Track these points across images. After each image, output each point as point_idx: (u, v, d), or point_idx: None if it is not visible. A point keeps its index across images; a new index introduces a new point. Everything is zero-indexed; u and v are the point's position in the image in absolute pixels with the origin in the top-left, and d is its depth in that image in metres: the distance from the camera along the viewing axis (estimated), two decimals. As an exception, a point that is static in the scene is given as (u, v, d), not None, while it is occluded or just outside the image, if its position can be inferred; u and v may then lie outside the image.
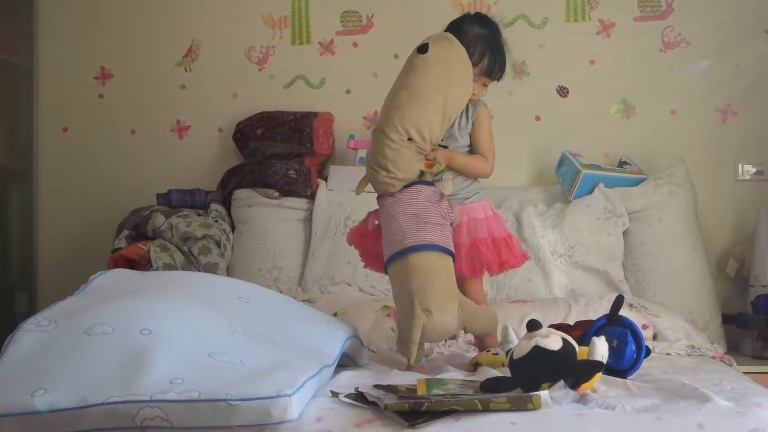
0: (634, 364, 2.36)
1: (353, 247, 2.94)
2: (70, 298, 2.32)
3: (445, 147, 2.84)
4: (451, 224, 2.71)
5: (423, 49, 2.66)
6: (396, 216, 2.65)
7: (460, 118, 2.89)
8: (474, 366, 2.63)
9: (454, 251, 2.67)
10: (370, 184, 2.75)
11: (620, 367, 2.31)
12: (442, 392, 2.05)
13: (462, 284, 2.77)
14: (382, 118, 2.68)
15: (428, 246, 2.60)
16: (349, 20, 4.33)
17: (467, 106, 2.89)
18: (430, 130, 2.63)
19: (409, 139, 2.62)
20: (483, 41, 2.91)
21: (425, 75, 2.64)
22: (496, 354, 2.65)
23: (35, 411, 1.84)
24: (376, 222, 2.77)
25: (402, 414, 1.84)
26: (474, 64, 2.80)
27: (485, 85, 2.94)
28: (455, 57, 2.71)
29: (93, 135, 4.44)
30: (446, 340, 3.20)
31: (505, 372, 2.18)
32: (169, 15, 4.42)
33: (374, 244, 2.78)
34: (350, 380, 2.30)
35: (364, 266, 2.97)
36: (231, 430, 1.82)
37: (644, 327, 3.23)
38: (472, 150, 2.93)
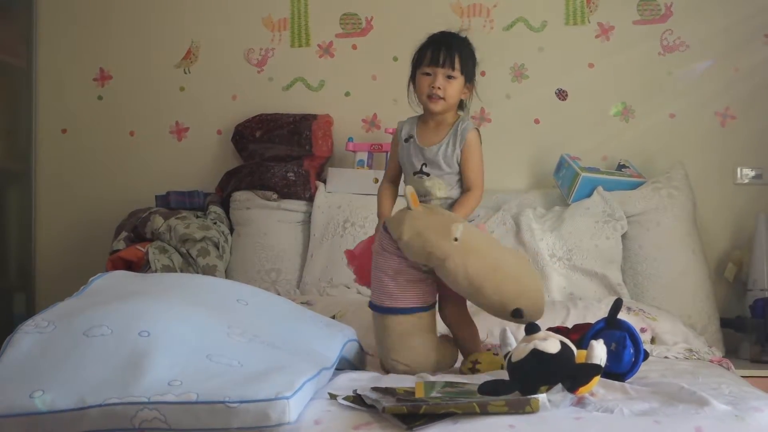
0: (633, 368, 2.36)
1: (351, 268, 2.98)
2: (68, 300, 2.32)
3: (428, 174, 2.85)
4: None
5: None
6: (381, 269, 2.66)
7: (447, 146, 2.85)
8: (472, 364, 2.63)
9: (434, 301, 2.70)
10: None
11: (618, 370, 2.31)
12: (440, 395, 2.05)
13: (450, 303, 2.78)
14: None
15: (405, 311, 2.63)
16: (348, 23, 4.34)
17: (455, 130, 2.86)
18: None
19: None
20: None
21: None
22: (496, 355, 2.65)
23: (36, 411, 1.83)
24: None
25: (400, 417, 1.84)
26: (429, 62, 2.83)
27: (453, 78, 2.85)
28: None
29: (92, 137, 4.44)
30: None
31: (503, 375, 2.18)
32: (169, 17, 4.43)
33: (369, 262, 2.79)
34: (348, 383, 2.30)
35: (356, 281, 3.04)
36: (229, 432, 1.82)
37: (642, 330, 3.23)
38: (460, 174, 2.87)
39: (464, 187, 2.88)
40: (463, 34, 2.93)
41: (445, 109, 2.85)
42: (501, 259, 2.56)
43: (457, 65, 2.83)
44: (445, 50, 2.83)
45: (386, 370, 2.67)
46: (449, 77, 2.83)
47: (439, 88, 2.82)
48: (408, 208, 2.62)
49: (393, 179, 3.02)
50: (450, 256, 2.51)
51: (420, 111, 2.94)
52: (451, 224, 2.54)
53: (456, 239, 2.50)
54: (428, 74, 2.84)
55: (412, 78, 2.92)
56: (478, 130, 2.90)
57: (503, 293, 2.50)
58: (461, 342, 2.81)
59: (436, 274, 2.58)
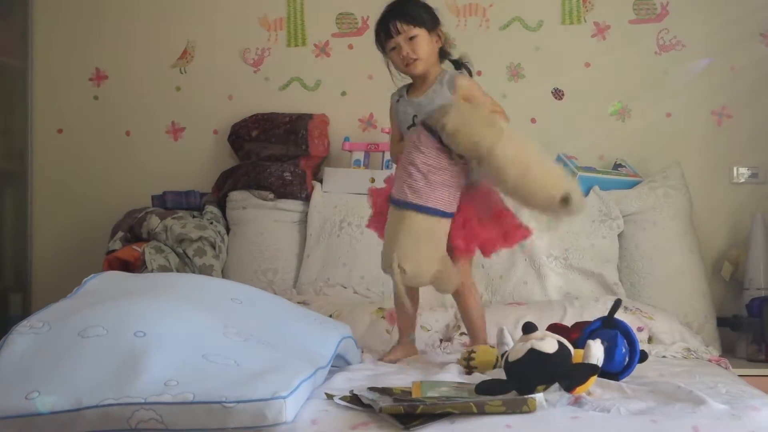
0: (627, 367, 2.35)
1: (371, 205, 2.99)
2: (63, 301, 2.32)
3: None
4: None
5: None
6: (414, 163, 2.73)
7: (434, 93, 2.87)
8: (467, 356, 2.62)
9: (454, 212, 2.75)
10: None
11: (611, 369, 2.30)
12: (437, 395, 2.05)
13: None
14: None
15: (427, 209, 2.69)
16: (344, 22, 4.33)
17: (441, 81, 2.89)
18: None
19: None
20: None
21: None
22: (493, 347, 2.66)
23: (36, 413, 1.83)
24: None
25: (397, 417, 1.83)
26: (386, 39, 2.89)
27: (415, 37, 2.86)
28: None
29: (88, 136, 4.43)
30: (441, 341, 3.21)
31: (500, 374, 2.18)
32: (165, 16, 4.42)
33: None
34: (345, 382, 2.29)
35: (367, 225, 3.05)
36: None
37: (639, 330, 3.23)
38: None
39: None
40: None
41: (424, 66, 2.89)
42: (539, 151, 2.67)
43: (408, 24, 2.87)
44: (391, 19, 2.88)
45: (385, 270, 2.75)
46: (411, 38, 2.87)
47: (408, 52, 2.86)
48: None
49: (396, 141, 3.01)
50: (497, 142, 2.60)
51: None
52: (495, 117, 2.69)
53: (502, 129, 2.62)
54: (394, 48, 2.89)
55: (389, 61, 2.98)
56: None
57: (552, 175, 2.60)
58: (466, 323, 2.91)
59: (481, 166, 2.65)
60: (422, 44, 2.87)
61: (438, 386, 2.16)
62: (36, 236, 4.44)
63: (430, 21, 2.91)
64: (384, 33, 2.90)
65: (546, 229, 3.37)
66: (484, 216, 2.82)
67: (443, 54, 2.97)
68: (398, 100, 2.94)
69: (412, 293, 2.88)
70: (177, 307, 2.22)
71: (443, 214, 2.71)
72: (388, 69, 2.98)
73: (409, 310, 2.85)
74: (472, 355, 2.59)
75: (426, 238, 2.70)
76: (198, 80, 4.39)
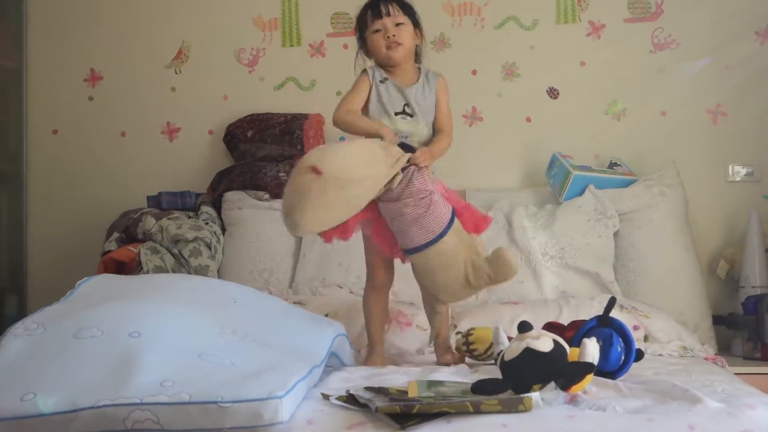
0: (623, 366, 2.35)
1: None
2: (57, 304, 2.32)
3: (411, 115, 2.89)
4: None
5: None
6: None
7: (423, 86, 2.93)
8: (466, 333, 2.66)
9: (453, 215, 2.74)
10: None
11: (606, 368, 2.30)
12: (433, 394, 2.05)
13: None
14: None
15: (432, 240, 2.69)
16: (339, 22, 4.33)
17: (425, 74, 2.94)
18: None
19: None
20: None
21: None
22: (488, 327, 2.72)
23: (32, 414, 1.83)
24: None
25: (393, 416, 1.83)
26: (373, 19, 2.93)
27: (401, 24, 2.93)
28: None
29: (83, 137, 4.43)
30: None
31: (496, 373, 2.18)
32: (159, 17, 4.42)
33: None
34: (341, 382, 2.30)
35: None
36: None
37: (635, 328, 3.23)
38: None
39: (435, 125, 2.96)
40: None
41: (404, 54, 2.92)
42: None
43: (399, 10, 2.94)
44: (383, 3, 2.94)
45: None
46: (398, 24, 2.92)
47: (393, 35, 2.90)
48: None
49: (358, 110, 2.96)
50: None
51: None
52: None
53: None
54: (378, 30, 2.92)
55: (363, 44, 3.01)
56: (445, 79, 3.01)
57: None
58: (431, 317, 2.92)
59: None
60: (407, 33, 2.93)
61: (434, 386, 2.16)
62: (31, 237, 4.43)
63: (415, 17, 2.98)
64: (372, 13, 2.94)
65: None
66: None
67: (417, 55, 3.03)
68: (382, 81, 2.93)
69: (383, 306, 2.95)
70: (172, 308, 2.22)
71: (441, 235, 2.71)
72: (357, 54, 3.02)
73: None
74: (471, 330, 2.67)
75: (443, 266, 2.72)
76: (193, 80, 4.39)
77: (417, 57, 3.03)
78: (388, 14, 2.92)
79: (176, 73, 4.41)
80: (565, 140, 4.12)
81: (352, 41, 4.23)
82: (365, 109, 2.92)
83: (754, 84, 4.12)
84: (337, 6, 4.33)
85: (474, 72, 4.25)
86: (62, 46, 4.45)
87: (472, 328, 2.79)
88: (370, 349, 2.93)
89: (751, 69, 4.12)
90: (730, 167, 4.12)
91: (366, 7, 2.99)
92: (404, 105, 2.89)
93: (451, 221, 2.71)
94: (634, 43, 4.19)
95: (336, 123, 2.91)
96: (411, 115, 2.89)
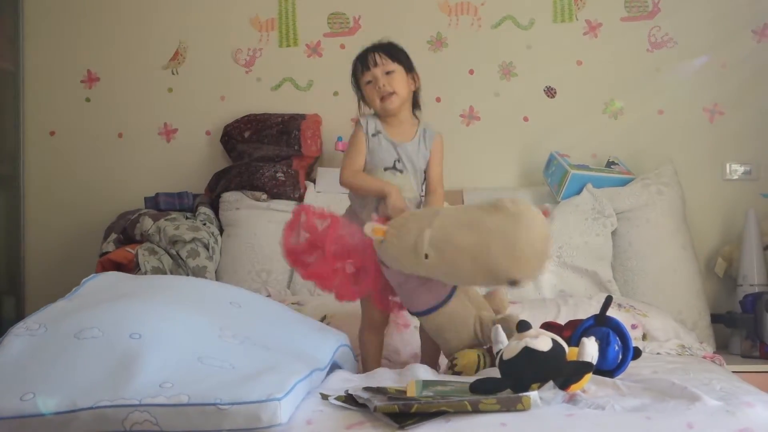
0: (621, 365, 2.36)
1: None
2: (60, 302, 2.32)
3: (401, 171, 2.87)
4: None
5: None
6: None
7: (419, 143, 2.90)
8: (450, 364, 2.64)
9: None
10: None
11: (603, 367, 2.30)
12: (431, 394, 2.05)
13: None
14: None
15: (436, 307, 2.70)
16: (336, 22, 4.33)
17: (423, 130, 2.91)
18: None
19: None
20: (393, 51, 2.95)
21: None
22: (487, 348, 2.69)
23: (31, 414, 1.83)
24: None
25: (392, 416, 1.84)
26: (364, 71, 2.91)
27: (391, 72, 2.89)
28: None
29: (80, 139, 4.42)
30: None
31: (493, 371, 2.18)
32: (156, 18, 4.42)
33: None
34: (340, 383, 2.29)
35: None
36: (220, 433, 1.82)
37: (633, 327, 3.23)
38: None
39: (428, 186, 2.94)
40: (384, 41, 2.98)
41: (399, 102, 2.88)
42: (478, 239, 2.50)
43: (387, 58, 2.89)
44: (371, 53, 2.91)
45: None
46: (388, 73, 2.88)
47: (384, 84, 2.86)
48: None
49: (361, 169, 2.93)
50: (429, 271, 2.57)
51: None
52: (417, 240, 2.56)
53: (426, 256, 2.53)
54: (370, 81, 2.90)
55: (361, 98, 2.98)
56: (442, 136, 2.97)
57: (494, 271, 2.48)
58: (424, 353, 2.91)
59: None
60: (399, 80, 2.89)
61: (433, 385, 2.16)
62: (29, 239, 4.43)
63: (407, 62, 2.93)
64: (362, 65, 2.92)
65: None
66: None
67: (415, 102, 2.99)
68: (375, 135, 2.90)
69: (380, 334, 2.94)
70: (173, 310, 2.22)
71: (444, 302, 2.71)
72: (359, 108, 3.00)
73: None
74: (454, 362, 2.62)
75: (447, 330, 2.71)
76: (190, 81, 4.39)
77: (416, 102, 2.99)
78: (376, 64, 2.88)
79: (173, 74, 4.40)
80: (563, 139, 4.12)
81: (349, 41, 4.29)
82: None
83: (752, 82, 4.12)
84: (333, 6, 4.33)
85: (471, 71, 4.25)
86: (59, 48, 4.45)
87: (454, 357, 2.66)
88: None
89: (748, 67, 4.13)
90: (728, 165, 4.12)
91: (356, 59, 2.97)
92: (395, 161, 2.87)
93: None
94: (631, 41, 4.19)
95: (343, 185, 2.94)
96: (401, 171, 2.87)
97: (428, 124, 2.96)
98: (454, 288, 2.70)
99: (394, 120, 2.91)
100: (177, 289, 2.49)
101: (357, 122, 2.94)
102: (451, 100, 4.21)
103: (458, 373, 2.57)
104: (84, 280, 2.50)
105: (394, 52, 2.92)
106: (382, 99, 2.87)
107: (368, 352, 2.89)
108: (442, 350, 2.79)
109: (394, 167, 2.86)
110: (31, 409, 1.83)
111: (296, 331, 2.50)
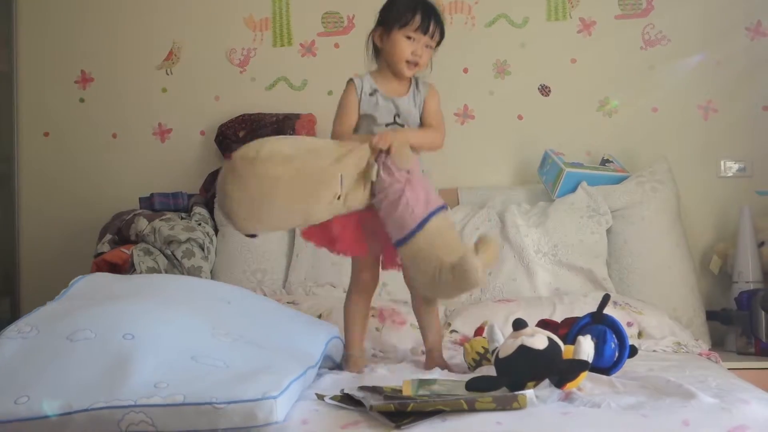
0: (617, 363, 2.36)
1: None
2: (50, 304, 2.31)
3: (401, 125, 2.80)
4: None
5: None
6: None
7: (413, 96, 2.84)
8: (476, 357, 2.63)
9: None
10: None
11: (600, 365, 2.31)
12: (427, 393, 2.05)
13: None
14: None
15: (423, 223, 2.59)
16: (329, 21, 4.33)
17: (416, 83, 2.86)
18: None
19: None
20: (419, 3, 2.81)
21: None
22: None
23: (32, 416, 1.83)
24: None
25: (388, 415, 1.83)
26: (416, 27, 2.76)
27: (429, 47, 2.81)
28: None
29: (74, 139, 4.42)
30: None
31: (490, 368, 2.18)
32: (150, 18, 4.41)
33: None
34: (335, 382, 2.30)
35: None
36: (216, 432, 1.82)
37: (629, 325, 3.23)
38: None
39: (422, 124, 2.87)
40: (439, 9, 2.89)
41: (414, 74, 2.84)
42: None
43: (438, 36, 2.82)
44: (435, 20, 2.80)
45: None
46: (427, 46, 2.80)
47: (421, 55, 2.79)
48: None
49: (351, 131, 2.85)
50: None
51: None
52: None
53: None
54: (410, 38, 2.78)
55: (387, 32, 2.81)
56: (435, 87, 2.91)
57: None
58: (423, 331, 2.84)
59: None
60: (428, 56, 2.82)
61: (429, 384, 2.16)
62: (24, 240, 4.43)
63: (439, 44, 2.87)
64: (420, 21, 2.76)
65: None
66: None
67: None
68: (372, 94, 2.82)
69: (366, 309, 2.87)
70: (165, 310, 2.22)
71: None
72: (368, 44, 2.87)
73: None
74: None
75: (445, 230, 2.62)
76: (184, 81, 4.38)
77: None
78: (430, 35, 2.78)
79: (167, 74, 4.40)
80: (557, 137, 4.13)
81: (343, 40, 4.28)
82: None
83: (745, 80, 4.12)
84: (327, 5, 4.33)
85: (465, 70, 4.25)
86: (53, 48, 4.45)
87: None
88: (347, 353, 2.77)
89: (742, 65, 4.13)
90: (722, 163, 4.13)
91: (415, 7, 2.79)
92: (395, 115, 2.83)
93: (438, 210, 2.61)
94: (624, 39, 4.19)
95: None
96: (402, 125, 2.83)
97: (419, 77, 2.88)
98: (432, 214, 2.60)
99: (389, 75, 2.84)
100: (168, 289, 2.50)
101: (349, 81, 2.85)
102: (446, 98, 4.15)
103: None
104: (72, 281, 2.50)
105: (444, 32, 2.84)
106: (408, 62, 2.78)
107: (354, 317, 2.80)
108: (417, 292, 2.74)
109: (394, 122, 2.81)
110: (25, 413, 1.83)
111: (287, 326, 2.50)
